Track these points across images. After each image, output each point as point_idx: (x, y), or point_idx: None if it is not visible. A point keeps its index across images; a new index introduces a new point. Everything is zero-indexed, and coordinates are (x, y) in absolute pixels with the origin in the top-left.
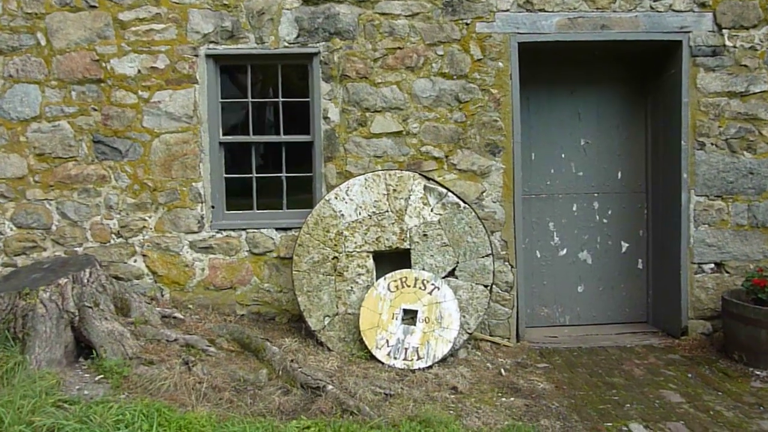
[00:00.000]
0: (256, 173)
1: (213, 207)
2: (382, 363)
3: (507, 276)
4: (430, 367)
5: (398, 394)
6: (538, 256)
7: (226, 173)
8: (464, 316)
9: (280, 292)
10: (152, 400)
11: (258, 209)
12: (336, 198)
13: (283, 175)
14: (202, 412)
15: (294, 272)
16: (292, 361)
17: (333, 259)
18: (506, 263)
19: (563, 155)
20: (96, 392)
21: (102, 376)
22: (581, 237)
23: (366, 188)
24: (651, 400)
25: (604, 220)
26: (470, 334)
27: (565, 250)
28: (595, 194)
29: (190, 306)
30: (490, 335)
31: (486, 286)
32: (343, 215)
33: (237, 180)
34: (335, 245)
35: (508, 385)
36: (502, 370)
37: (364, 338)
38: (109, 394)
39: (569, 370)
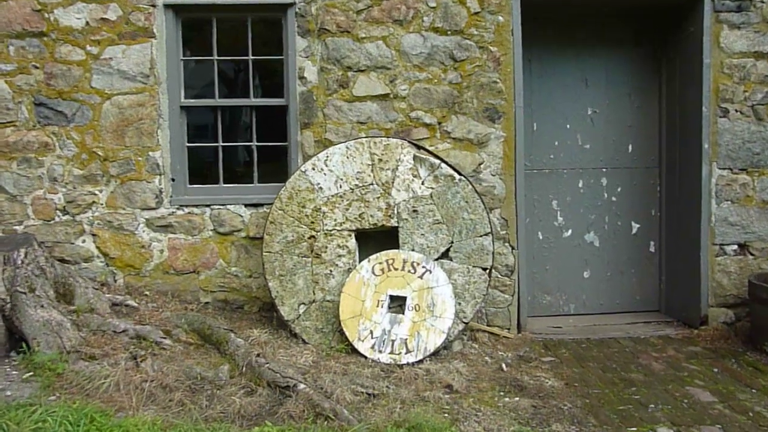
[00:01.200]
0: (223, 142)
1: (173, 180)
2: (365, 357)
3: (507, 258)
4: (421, 361)
5: (383, 393)
6: (540, 237)
7: (188, 142)
8: (460, 303)
9: (250, 277)
10: (86, 402)
11: (225, 183)
12: (313, 169)
13: (254, 144)
14: (144, 417)
15: (264, 254)
16: (258, 355)
17: (309, 238)
18: (506, 244)
19: (568, 126)
20: (21, 393)
21: (32, 373)
22: (587, 217)
23: (348, 158)
24: (678, 400)
25: (613, 198)
26: (466, 323)
27: (569, 232)
28: (604, 169)
29: (147, 293)
30: (489, 325)
31: (485, 269)
32: (321, 188)
33: (201, 150)
34: (312, 223)
35: (510, 383)
36: (504, 365)
37: (344, 329)
38: (37, 395)
39: (579, 364)
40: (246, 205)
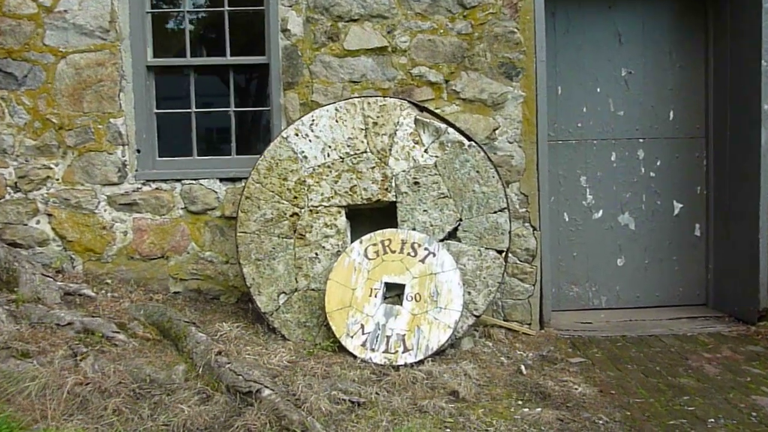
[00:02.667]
0: (196, 108)
1: (138, 151)
2: (354, 356)
3: (527, 241)
4: (421, 362)
5: (371, 402)
6: (566, 219)
7: (157, 108)
8: (469, 293)
9: (227, 263)
10: (0, 410)
11: (199, 155)
12: (296, 135)
13: (231, 109)
14: (65, 430)
15: (239, 234)
16: (219, 353)
17: (292, 216)
18: (526, 224)
19: (599, 89)
20: None
21: None
22: (621, 195)
23: (337, 121)
24: (744, 413)
25: (652, 174)
26: (478, 317)
27: (600, 212)
28: (640, 140)
29: (109, 281)
30: (505, 320)
31: (500, 252)
32: (306, 157)
33: (171, 117)
34: (295, 198)
35: (531, 389)
36: (523, 367)
37: (330, 322)
38: None
39: (615, 366)
40: (222, 180)
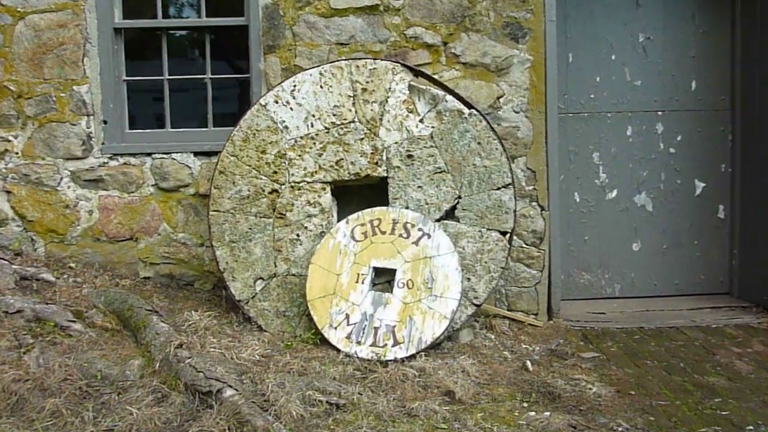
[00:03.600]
0: (169, 75)
1: (105, 122)
2: (338, 350)
3: (535, 222)
4: (413, 357)
5: (352, 403)
6: (577, 200)
7: (126, 75)
8: (469, 279)
9: (202, 245)
10: None
11: (173, 127)
12: (276, 102)
13: (208, 76)
14: None
15: (212, 213)
16: (180, 346)
17: (271, 193)
18: (533, 204)
19: (613, 57)
20: None
21: None
22: (638, 173)
23: (322, 87)
24: None
25: (671, 150)
26: (478, 306)
27: (614, 192)
28: (659, 112)
29: (73, 265)
30: (509, 309)
31: (503, 234)
32: (287, 128)
33: (142, 85)
34: (274, 173)
35: (538, 388)
36: (528, 363)
37: (311, 312)
38: None
39: (633, 362)
40: (196, 154)
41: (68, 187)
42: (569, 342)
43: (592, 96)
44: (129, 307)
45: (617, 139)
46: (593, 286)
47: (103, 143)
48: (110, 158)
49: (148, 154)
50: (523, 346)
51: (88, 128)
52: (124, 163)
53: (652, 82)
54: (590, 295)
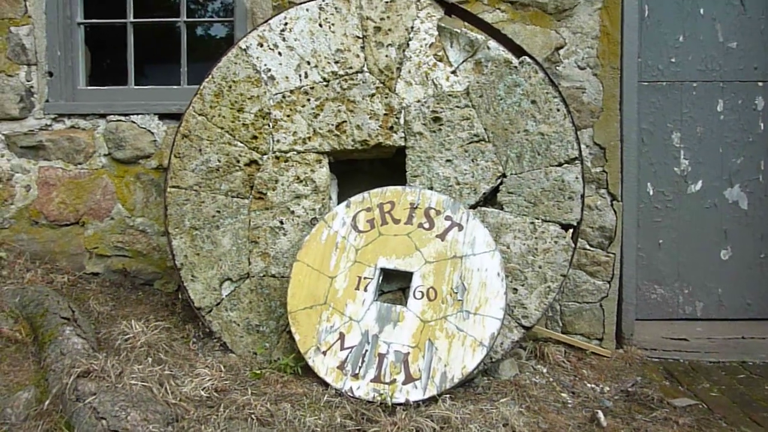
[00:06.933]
0: (134, 17)
1: (50, 74)
2: (326, 384)
3: (603, 216)
4: (434, 400)
5: None
6: (650, 192)
7: (82, 17)
8: (515, 290)
9: (164, 234)
10: None
11: (137, 84)
12: (261, 45)
13: (182, 20)
14: None
15: (170, 190)
16: (86, 374)
17: (249, 165)
18: (601, 191)
19: (702, 11)
20: None
21: None
22: (730, 161)
23: (321, 25)
24: None
25: None
26: (527, 329)
27: (699, 184)
28: (760, 83)
29: (3, 254)
30: (564, 332)
31: (566, 227)
32: (272, 78)
33: (99, 29)
34: (254, 138)
35: None
36: (601, 415)
37: (292, 328)
38: None
39: (748, 415)
40: (162, 117)
41: (1, 156)
42: (650, 381)
43: (672, 60)
44: (43, 311)
45: (704, 116)
46: (668, 304)
47: (47, 101)
48: (54, 120)
49: (102, 116)
50: (588, 385)
51: (28, 81)
52: (72, 126)
53: (751, 43)
54: (664, 315)
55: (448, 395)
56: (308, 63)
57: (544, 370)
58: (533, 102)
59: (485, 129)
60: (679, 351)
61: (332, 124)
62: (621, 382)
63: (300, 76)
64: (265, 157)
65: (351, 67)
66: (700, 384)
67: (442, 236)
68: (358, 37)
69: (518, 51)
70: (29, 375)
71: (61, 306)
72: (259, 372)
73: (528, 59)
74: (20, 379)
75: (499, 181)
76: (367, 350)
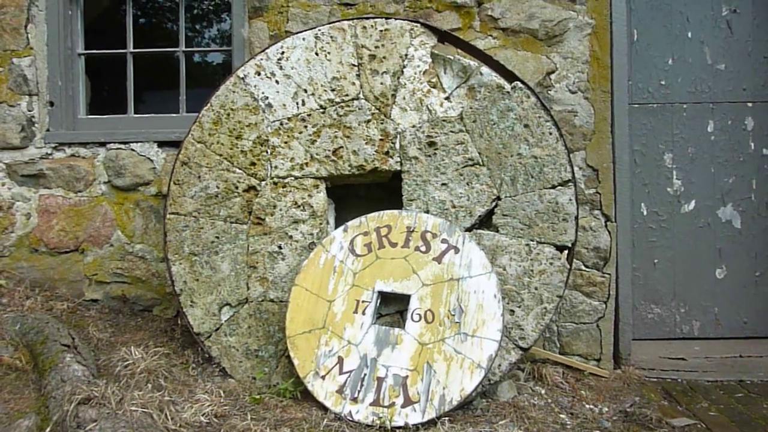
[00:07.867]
0: (134, 47)
1: (51, 104)
2: (325, 409)
3: (597, 237)
4: (433, 423)
5: None
6: (644, 212)
7: (83, 48)
8: (512, 312)
9: (164, 260)
10: None
11: (137, 111)
12: (259, 73)
13: (181, 49)
14: None
15: (169, 216)
16: (86, 401)
17: (247, 191)
18: (595, 212)
19: (690, 34)
20: None
21: None
22: (722, 180)
23: (317, 54)
24: None
25: (765, 151)
26: (525, 350)
27: (692, 204)
28: (749, 104)
29: (2, 282)
30: (562, 352)
31: (561, 249)
32: (270, 106)
33: (99, 60)
34: (253, 165)
35: None
36: None
37: (291, 352)
38: None
39: None
40: (161, 144)
41: (2, 184)
42: (648, 400)
43: (662, 82)
44: (44, 339)
45: (695, 136)
46: (665, 323)
47: (47, 130)
48: (55, 148)
49: (102, 144)
50: (587, 406)
51: (29, 111)
52: (72, 155)
53: (739, 65)
54: (662, 335)
55: (447, 418)
56: (305, 91)
57: (543, 392)
58: (526, 126)
59: (479, 153)
60: (677, 370)
61: (329, 150)
62: (619, 403)
63: (297, 103)
64: (264, 183)
65: (347, 95)
66: (699, 403)
67: (438, 259)
68: (354, 65)
69: (510, 76)
70: (30, 402)
71: (61, 333)
72: (258, 397)
73: (520, 84)
74: (21, 407)
75: (494, 203)
76: (365, 374)
